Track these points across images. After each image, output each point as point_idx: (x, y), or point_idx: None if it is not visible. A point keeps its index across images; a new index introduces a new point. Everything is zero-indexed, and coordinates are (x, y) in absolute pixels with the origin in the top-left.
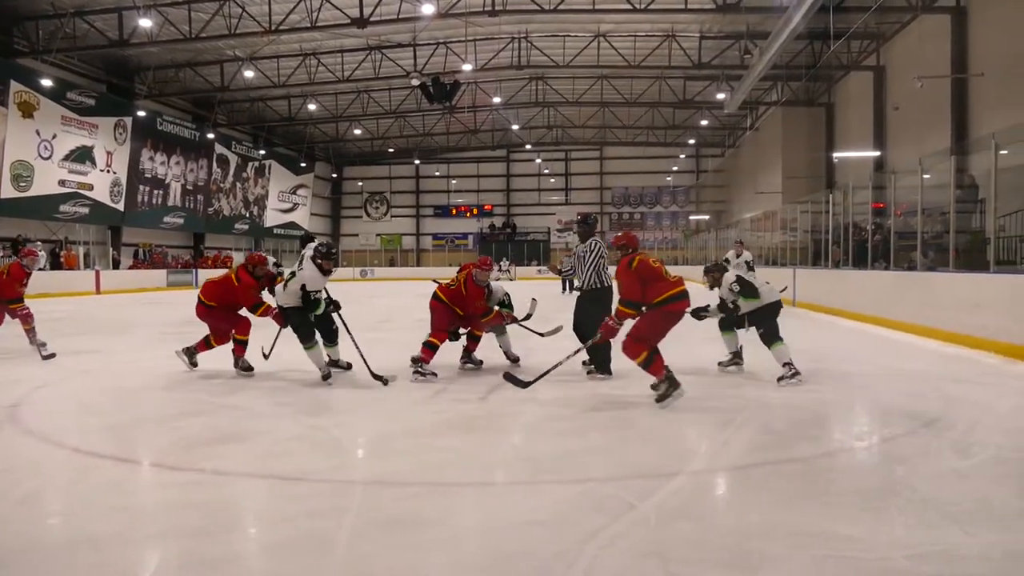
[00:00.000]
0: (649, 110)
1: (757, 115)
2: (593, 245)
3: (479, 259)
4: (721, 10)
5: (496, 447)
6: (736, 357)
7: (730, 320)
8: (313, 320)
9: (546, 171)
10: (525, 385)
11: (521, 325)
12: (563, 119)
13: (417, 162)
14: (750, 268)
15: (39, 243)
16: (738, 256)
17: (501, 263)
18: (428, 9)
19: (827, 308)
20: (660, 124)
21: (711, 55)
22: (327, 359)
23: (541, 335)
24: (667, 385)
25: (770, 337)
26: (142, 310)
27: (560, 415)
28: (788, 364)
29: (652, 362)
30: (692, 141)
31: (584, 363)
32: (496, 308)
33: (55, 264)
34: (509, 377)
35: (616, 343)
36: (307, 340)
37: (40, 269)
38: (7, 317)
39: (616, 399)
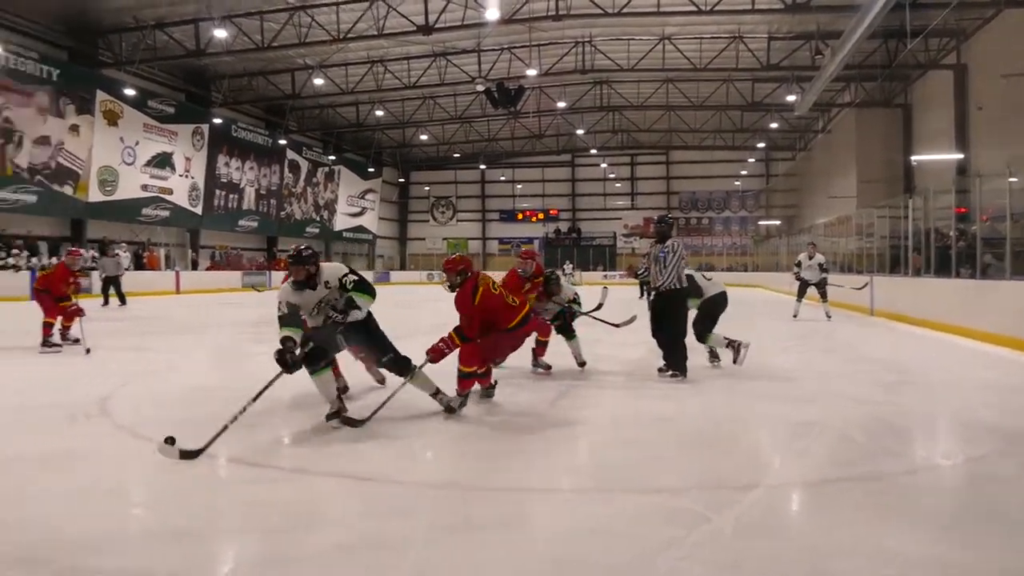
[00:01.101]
0: (716, 113)
1: (829, 117)
2: (674, 246)
3: (522, 251)
4: (790, 10)
5: (564, 453)
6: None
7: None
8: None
9: (611, 175)
10: (359, 423)
11: (592, 317)
12: (628, 123)
13: (483, 167)
14: (823, 271)
15: (123, 245)
16: (810, 258)
17: (564, 267)
18: (493, 15)
19: (907, 317)
20: (728, 127)
21: (780, 56)
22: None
23: (616, 326)
24: (460, 402)
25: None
26: (219, 310)
27: (629, 422)
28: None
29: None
30: (761, 144)
31: (660, 369)
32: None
33: (138, 265)
34: (345, 420)
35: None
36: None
37: (126, 270)
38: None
39: (687, 407)
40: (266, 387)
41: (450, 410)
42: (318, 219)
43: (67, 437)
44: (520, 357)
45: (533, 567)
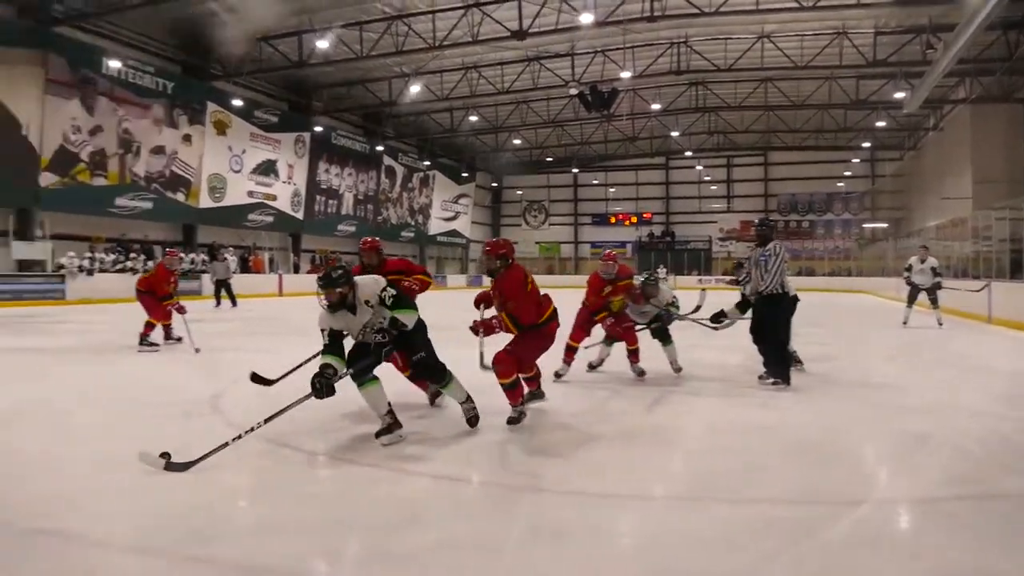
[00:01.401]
0: (818, 112)
1: (942, 114)
2: (776, 249)
3: (605, 253)
4: (900, 3)
5: (657, 460)
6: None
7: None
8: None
9: (707, 178)
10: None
11: (691, 320)
12: (725, 124)
13: (575, 170)
14: (936, 274)
15: (231, 248)
16: (922, 262)
17: (658, 271)
18: (587, 18)
19: None
20: (830, 127)
21: (887, 51)
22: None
23: (715, 328)
24: (519, 414)
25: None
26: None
27: (727, 430)
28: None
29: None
30: (867, 144)
31: (761, 376)
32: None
33: (244, 268)
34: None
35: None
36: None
37: (233, 273)
38: (160, 312)
39: (789, 416)
40: (284, 410)
41: (512, 421)
42: (413, 223)
43: (183, 434)
44: (616, 362)
45: (626, 575)
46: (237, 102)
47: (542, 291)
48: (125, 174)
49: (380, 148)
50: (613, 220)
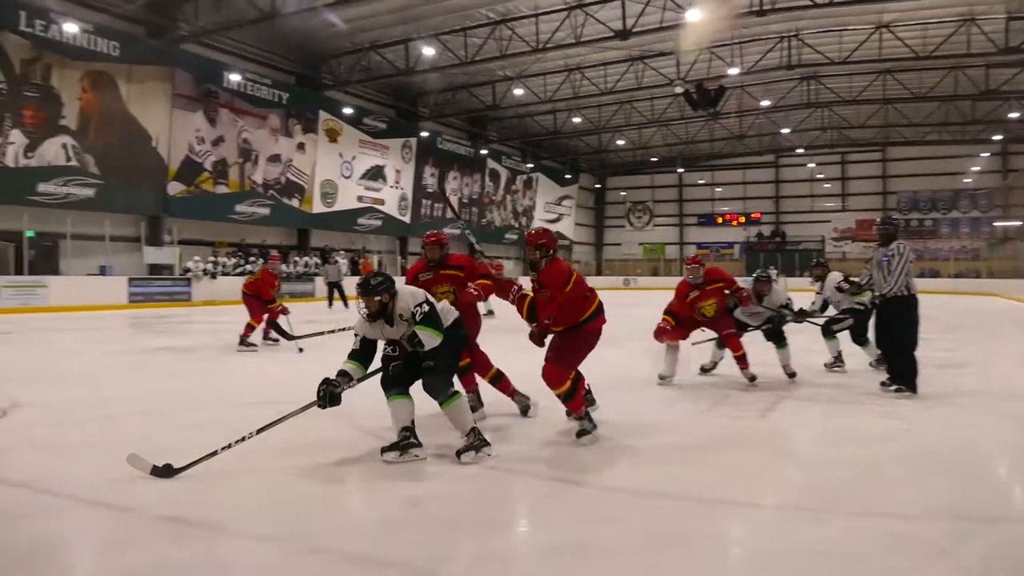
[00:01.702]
0: (942, 104)
1: None
2: (900, 249)
3: (688, 259)
4: None
5: (773, 469)
6: (839, 360)
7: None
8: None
9: (820, 176)
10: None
11: (809, 321)
12: (839, 119)
13: (680, 170)
14: None
15: (342, 252)
16: None
17: (769, 270)
18: (693, 15)
19: None
20: (956, 119)
21: (1021, 37)
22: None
23: (832, 331)
24: (583, 425)
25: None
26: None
27: (846, 439)
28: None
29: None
30: (998, 136)
31: (883, 383)
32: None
33: (354, 271)
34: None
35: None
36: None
37: (344, 275)
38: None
39: (916, 426)
40: (278, 421)
41: (581, 433)
42: (516, 226)
43: (303, 431)
44: (729, 365)
45: None
46: (347, 110)
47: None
48: (244, 182)
49: (484, 151)
50: (720, 220)
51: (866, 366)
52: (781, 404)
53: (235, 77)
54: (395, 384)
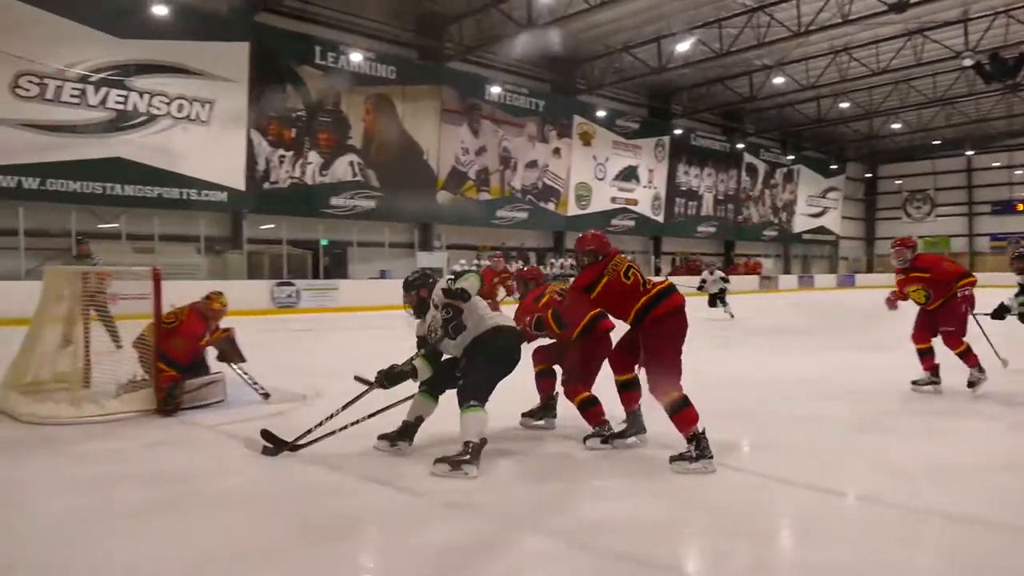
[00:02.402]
0: None
1: None
2: None
3: (894, 241)
4: None
5: None
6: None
7: None
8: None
9: None
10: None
11: None
12: None
13: (969, 153)
14: None
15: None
16: None
17: None
18: None
19: None
20: None
21: None
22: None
23: None
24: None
25: None
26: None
27: None
28: None
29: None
30: None
31: None
32: None
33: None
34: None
35: None
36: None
37: None
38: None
39: None
40: (357, 399)
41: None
42: (776, 222)
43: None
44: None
45: None
46: (600, 113)
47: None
48: (505, 188)
49: (740, 146)
50: (1020, 208)
51: None
52: None
53: (495, 89)
54: (427, 382)
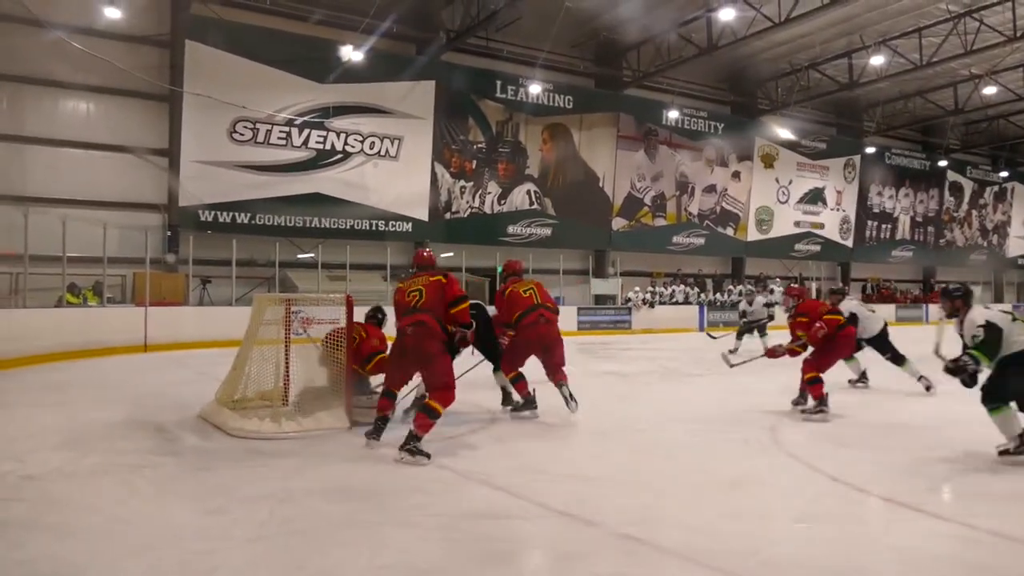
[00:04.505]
0: None
1: None
2: None
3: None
4: None
5: None
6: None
7: None
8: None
9: None
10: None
11: None
12: None
13: None
14: None
15: (777, 280)
16: None
17: None
18: None
19: None
20: None
21: None
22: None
23: None
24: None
25: None
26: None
27: None
28: None
29: None
30: None
31: None
32: None
33: None
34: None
35: None
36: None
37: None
38: None
39: None
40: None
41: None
42: (985, 245)
43: (743, 465)
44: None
45: None
46: (784, 133)
47: None
48: (681, 213)
49: (943, 163)
50: None
51: None
52: None
53: (673, 114)
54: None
